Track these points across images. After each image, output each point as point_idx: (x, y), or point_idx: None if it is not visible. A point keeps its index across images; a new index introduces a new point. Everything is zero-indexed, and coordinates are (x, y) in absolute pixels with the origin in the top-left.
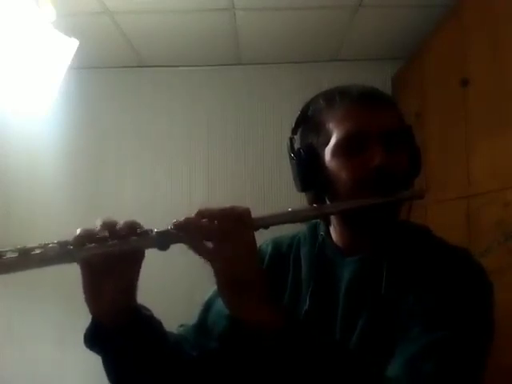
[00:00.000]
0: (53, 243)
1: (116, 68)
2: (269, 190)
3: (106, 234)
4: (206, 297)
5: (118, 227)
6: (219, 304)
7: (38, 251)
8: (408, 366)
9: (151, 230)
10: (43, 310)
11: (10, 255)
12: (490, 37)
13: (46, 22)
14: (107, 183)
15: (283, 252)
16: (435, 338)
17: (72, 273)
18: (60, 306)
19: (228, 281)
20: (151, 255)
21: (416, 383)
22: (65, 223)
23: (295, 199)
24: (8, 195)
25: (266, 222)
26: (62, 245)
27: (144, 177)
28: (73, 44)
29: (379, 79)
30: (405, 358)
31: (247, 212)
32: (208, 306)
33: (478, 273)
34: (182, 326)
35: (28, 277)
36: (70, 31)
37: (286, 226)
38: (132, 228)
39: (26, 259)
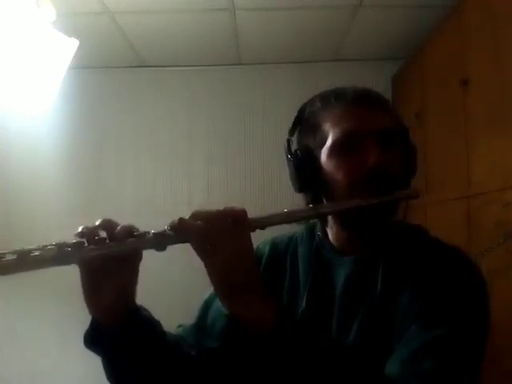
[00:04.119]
0: (51, 245)
1: (116, 68)
2: (268, 190)
3: (105, 234)
4: (205, 296)
5: (116, 231)
6: (218, 303)
7: (36, 253)
8: (407, 364)
9: (148, 232)
10: (43, 310)
11: (9, 257)
12: (490, 37)
13: (45, 22)
14: (107, 183)
15: (281, 252)
16: (433, 337)
17: (72, 273)
18: (60, 307)
19: (224, 281)
20: (150, 258)
21: (415, 381)
22: (64, 223)
23: (295, 199)
24: (8, 195)
25: (263, 223)
26: (60, 247)
27: (144, 177)
28: (73, 44)
29: (379, 79)
30: (403, 356)
31: (243, 213)
32: (207, 306)
33: (473, 271)
34: (180, 326)
35: (28, 277)
36: (70, 31)
37: (284, 226)
38: (129, 232)
39: (24, 261)
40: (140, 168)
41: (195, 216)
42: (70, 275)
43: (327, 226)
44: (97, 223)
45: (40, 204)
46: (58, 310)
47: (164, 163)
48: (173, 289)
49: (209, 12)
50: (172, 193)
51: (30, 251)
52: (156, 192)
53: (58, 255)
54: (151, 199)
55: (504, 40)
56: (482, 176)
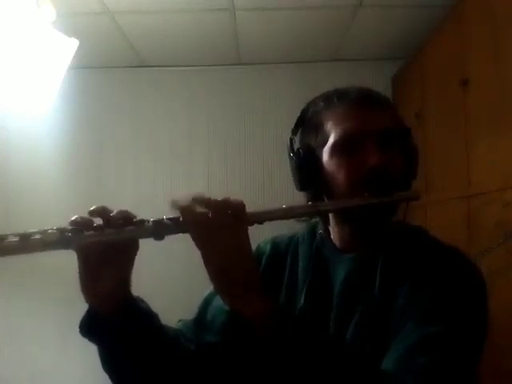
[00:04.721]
0: (52, 229)
1: (116, 68)
2: (268, 190)
3: (101, 221)
4: (205, 294)
5: (112, 215)
6: (218, 301)
7: (37, 236)
8: (402, 360)
9: (147, 221)
10: (43, 309)
11: (11, 239)
12: (490, 37)
13: (45, 22)
14: (107, 183)
15: (281, 251)
16: (429, 333)
17: (72, 274)
18: (60, 306)
19: (221, 273)
20: (151, 255)
21: (411, 377)
22: (64, 223)
23: (295, 199)
24: (8, 195)
25: (261, 218)
26: (62, 231)
27: (144, 176)
28: (73, 44)
29: (379, 79)
30: (399, 352)
31: (242, 206)
32: (207, 303)
33: (472, 271)
34: (180, 321)
35: (28, 276)
36: (70, 31)
37: (283, 224)
38: (127, 217)
39: (26, 243)
40: (140, 168)
41: (195, 200)
42: (70, 275)
43: (329, 225)
44: (91, 209)
45: (40, 204)
46: (58, 309)
47: (164, 163)
48: (173, 285)
49: (209, 12)
50: (172, 193)
51: (32, 234)
52: (156, 192)
53: (60, 239)
54: (151, 199)
55: (504, 40)
56: (482, 176)
